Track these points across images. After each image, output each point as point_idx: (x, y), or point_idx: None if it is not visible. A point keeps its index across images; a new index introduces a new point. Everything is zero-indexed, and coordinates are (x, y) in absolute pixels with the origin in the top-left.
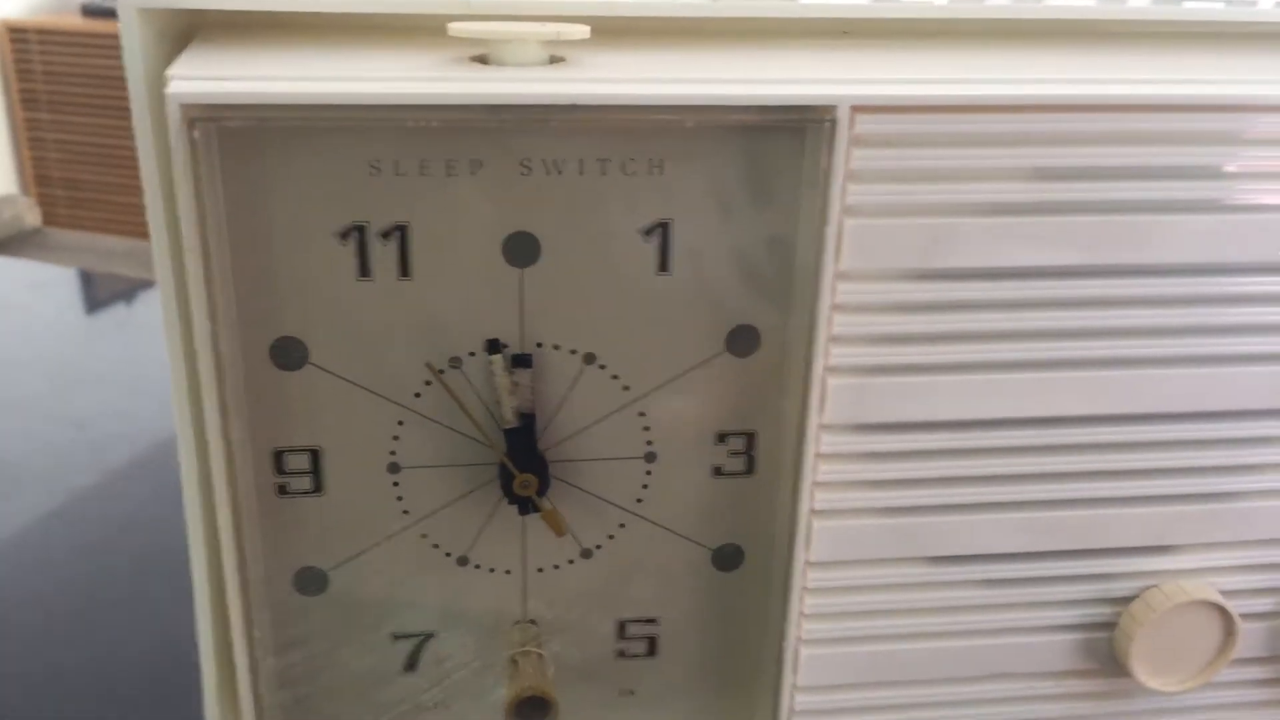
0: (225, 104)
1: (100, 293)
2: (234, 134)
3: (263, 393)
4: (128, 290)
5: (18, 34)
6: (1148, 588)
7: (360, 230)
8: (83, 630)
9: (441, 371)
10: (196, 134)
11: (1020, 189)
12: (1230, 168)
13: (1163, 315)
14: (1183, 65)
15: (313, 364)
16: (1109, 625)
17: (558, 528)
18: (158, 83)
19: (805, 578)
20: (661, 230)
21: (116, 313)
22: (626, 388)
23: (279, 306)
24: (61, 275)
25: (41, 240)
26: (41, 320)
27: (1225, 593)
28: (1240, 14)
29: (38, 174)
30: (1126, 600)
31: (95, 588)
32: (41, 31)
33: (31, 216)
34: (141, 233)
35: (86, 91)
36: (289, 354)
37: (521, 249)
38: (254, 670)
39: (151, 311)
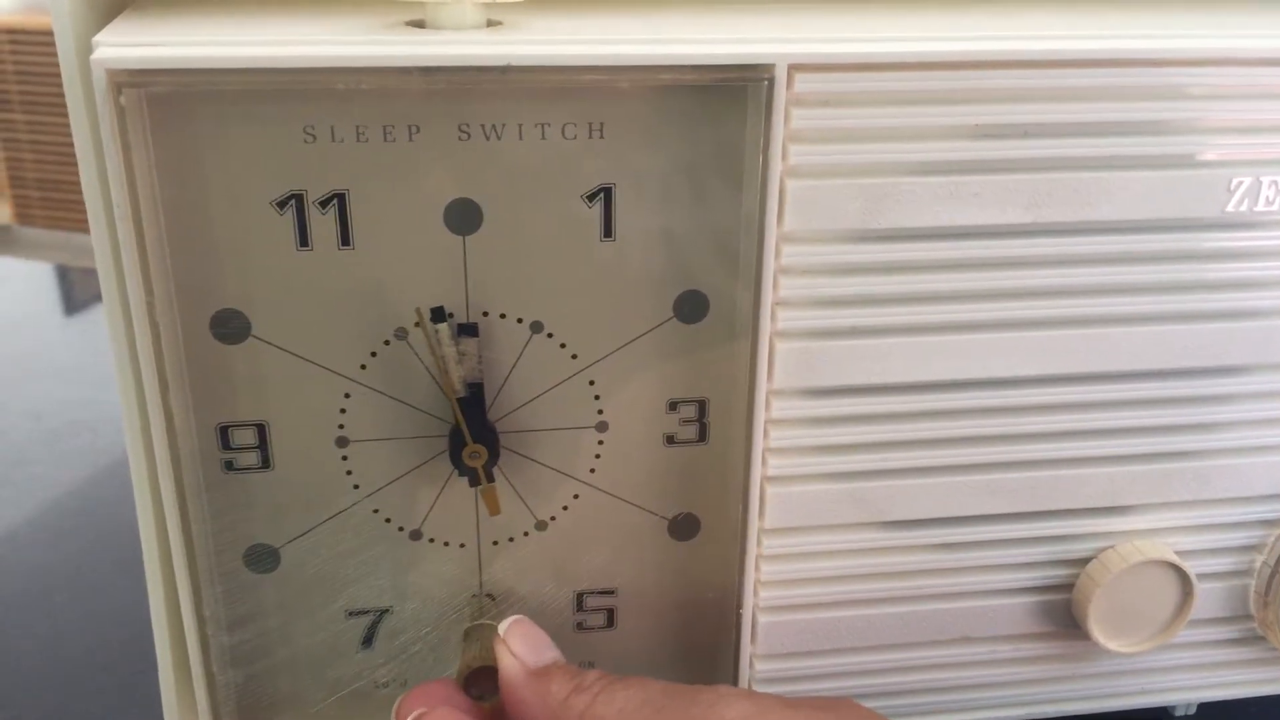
0: (152, 69)
1: (74, 287)
2: (163, 100)
3: (204, 367)
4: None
5: None
6: (1105, 549)
7: (298, 199)
8: (40, 614)
9: (416, 326)
10: (123, 99)
11: (961, 147)
12: (1174, 123)
13: (1110, 273)
14: (1123, 21)
15: (255, 337)
16: (1067, 587)
17: (493, 506)
18: (88, 52)
19: (761, 545)
20: (604, 196)
21: (90, 307)
22: (575, 356)
23: (218, 278)
24: (34, 270)
25: (16, 239)
26: (8, 314)
27: (1182, 553)
28: None
29: (12, 174)
30: (1084, 562)
31: (52, 572)
32: (13, 31)
33: (5, 215)
34: None
35: (60, 91)
36: (230, 327)
37: (463, 216)
38: (205, 648)
39: None
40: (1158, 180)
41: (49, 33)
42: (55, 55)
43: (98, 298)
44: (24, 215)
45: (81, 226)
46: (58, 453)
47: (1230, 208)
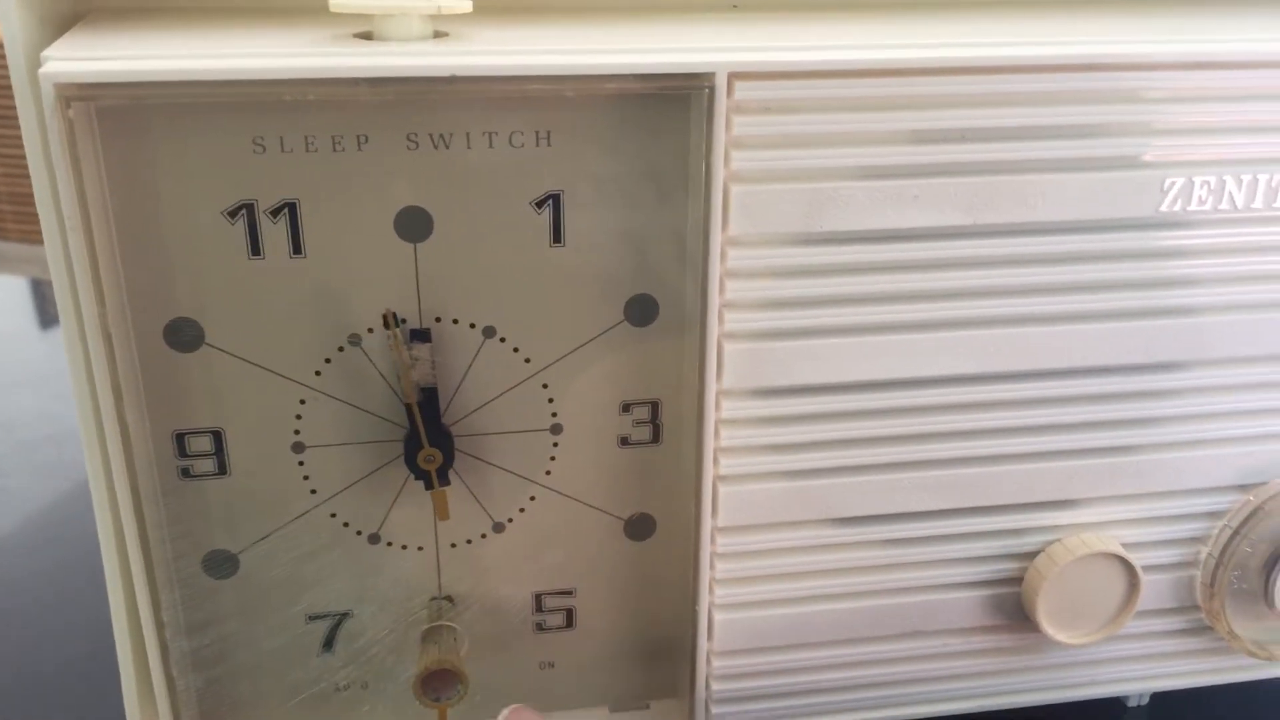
0: (99, 82)
1: (47, 301)
2: (112, 113)
3: (159, 375)
4: None
5: None
6: (1051, 542)
7: (249, 208)
8: (15, 626)
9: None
10: (72, 113)
11: (901, 152)
12: (1107, 126)
13: (1048, 273)
14: (1057, 26)
15: (209, 345)
16: (1016, 580)
17: (442, 511)
18: (38, 66)
19: (715, 544)
20: (553, 202)
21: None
22: (528, 360)
23: (171, 288)
24: (7, 284)
25: None
26: None
27: (1128, 545)
28: None
29: None
30: (1032, 555)
31: (26, 585)
32: None
33: None
34: None
35: None
36: (184, 335)
37: (414, 224)
38: (164, 653)
39: None
40: (1093, 182)
41: None
42: None
43: None
44: None
45: None
46: (31, 465)
47: (1164, 208)
